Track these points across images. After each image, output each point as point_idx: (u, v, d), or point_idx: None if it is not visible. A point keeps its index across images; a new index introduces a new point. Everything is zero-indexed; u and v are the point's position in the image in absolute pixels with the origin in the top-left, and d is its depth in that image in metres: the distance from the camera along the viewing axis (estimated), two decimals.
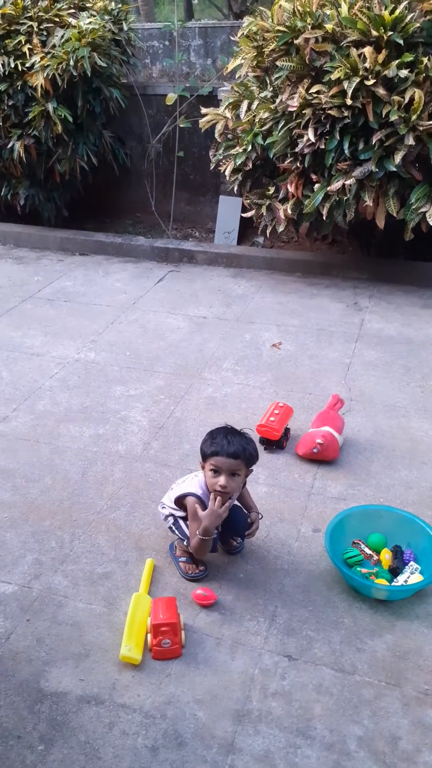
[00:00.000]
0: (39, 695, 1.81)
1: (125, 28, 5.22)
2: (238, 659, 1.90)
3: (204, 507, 2.06)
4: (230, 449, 2.01)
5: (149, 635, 1.91)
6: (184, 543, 2.17)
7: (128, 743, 1.69)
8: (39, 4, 5.05)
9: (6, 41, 4.89)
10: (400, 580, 2.10)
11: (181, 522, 2.18)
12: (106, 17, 5.10)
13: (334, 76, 3.59)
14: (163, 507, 2.24)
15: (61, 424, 3.03)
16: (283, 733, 1.71)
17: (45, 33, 4.89)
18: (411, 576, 2.10)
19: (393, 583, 2.10)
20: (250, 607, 2.07)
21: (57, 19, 4.95)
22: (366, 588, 2.06)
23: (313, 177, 3.93)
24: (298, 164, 3.93)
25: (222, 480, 2.01)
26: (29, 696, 1.81)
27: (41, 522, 2.43)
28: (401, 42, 3.51)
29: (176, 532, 2.20)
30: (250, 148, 4.14)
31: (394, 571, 2.14)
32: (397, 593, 2.06)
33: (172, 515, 2.20)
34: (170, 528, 2.22)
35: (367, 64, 3.53)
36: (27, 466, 2.74)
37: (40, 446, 2.88)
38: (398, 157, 3.58)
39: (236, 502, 2.20)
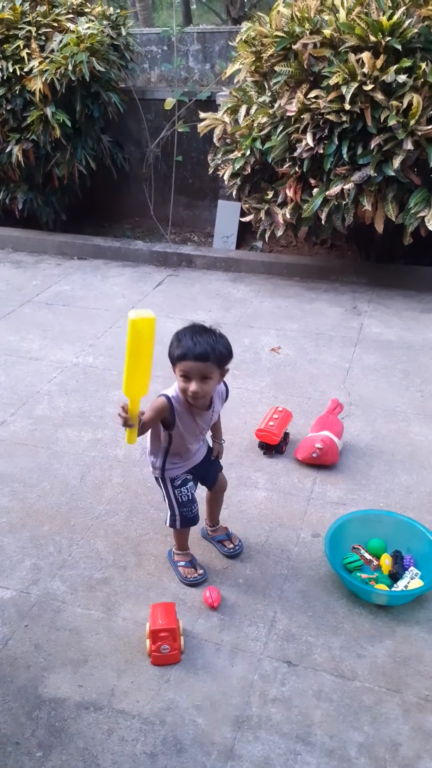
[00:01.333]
0: (37, 701, 1.80)
1: (124, 33, 5.24)
2: (237, 665, 1.89)
3: (171, 410, 1.90)
4: (197, 350, 1.80)
5: (148, 641, 1.90)
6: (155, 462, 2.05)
7: (127, 750, 1.67)
8: (37, 9, 5.06)
9: (4, 46, 4.90)
10: (400, 585, 2.09)
11: (169, 485, 2.07)
12: (105, 22, 5.12)
13: (332, 81, 3.61)
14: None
15: (59, 429, 3.02)
16: (282, 739, 1.70)
17: (43, 38, 4.91)
18: (411, 581, 2.09)
19: (393, 589, 2.09)
20: (249, 612, 2.06)
21: (55, 24, 4.96)
22: (366, 593, 2.06)
23: (312, 181, 3.93)
24: (297, 169, 3.94)
25: (193, 386, 1.83)
26: (27, 702, 1.80)
27: (39, 527, 2.42)
28: (399, 47, 3.52)
29: (167, 495, 2.08)
30: (248, 152, 4.15)
31: (394, 577, 2.14)
32: (397, 598, 2.06)
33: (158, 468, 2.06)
34: (156, 479, 2.11)
35: (365, 70, 3.54)
36: (25, 471, 2.73)
37: (38, 451, 2.87)
38: (397, 162, 3.59)
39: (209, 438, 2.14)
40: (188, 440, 2.02)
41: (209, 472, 2.19)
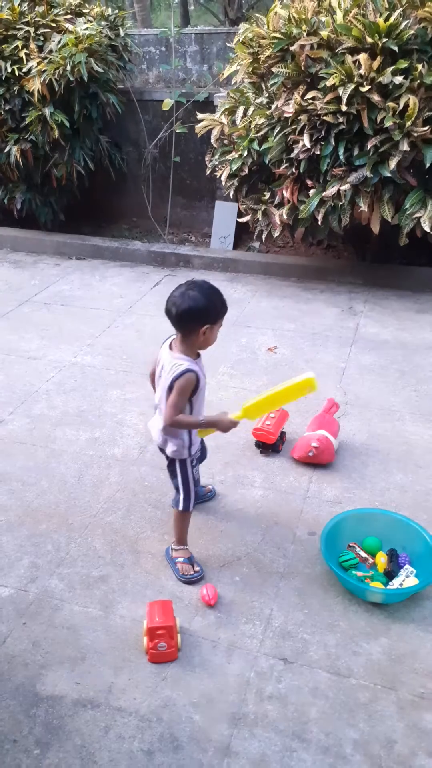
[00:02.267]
0: (35, 699, 1.81)
1: (122, 33, 5.25)
2: (233, 662, 1.91)
3: (197, 377, 1.97)
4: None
5: (145, 638, 1.91)
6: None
7: (124, 747, 1.69)
8: (36, 9, 5.07)
9: (3, 46, 4.91)
10: (396, 583, 2.11)
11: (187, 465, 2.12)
12: (103, 23, 5.13)
13: (329, 83, 3.62)
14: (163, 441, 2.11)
15: (57, 428, 3.03)
16: (278, 736, 1.71)
17: (42, 38, 4.92)
18: (406, 579, 2.11)
19: (388, 587, 2.11)
20: (245, 610, 2.07)
21: (54, 25, 4.97)
22: (361, 591, 2.07)
23: (309, 182, 3.95)
24: (294, 170, 3.96)
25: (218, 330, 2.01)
26: (25, 700, 1.81)
27: (37, 525, 2.43)
28: (396, 49, 3.54)
29: (185, 476, 2.13)
30: (245, 153, 4.16)
31: (390, 575, 2.15)
32: (393, 596, 2.07)
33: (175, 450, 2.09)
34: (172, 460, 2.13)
35: (362, 71, 3.55)
36: (23, 470, 2.74)
37: (36, 450, 2.88)
38: (393, 163, 3.61)
39: None
40: (202, 401, 2.09)
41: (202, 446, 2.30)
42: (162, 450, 2.15)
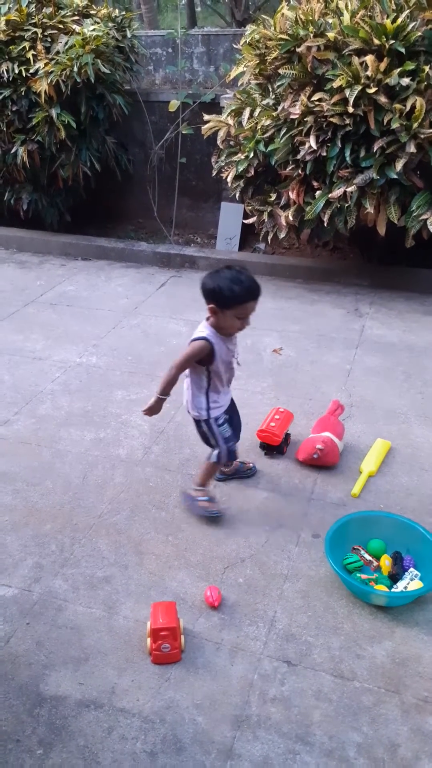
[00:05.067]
0: (38, 699, 1.81)
1: (129, 35, 5.26)
2: (237, 664, 1.90)
3: (212, 350, 2.14)
4: (257, 291, 2.10)
5: (149, 639, 1.91)
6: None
7: (127, 748, 1.69)
8: (43, 10, 5.09)
9: (10, 47, 4.92)
10: (400, 586, 2.10)
11: (213, 425, 2.32)
12: (110, 24, 5.14)
13: (335, 84, 3.62)
14: (195, 411, 2.32)
15: (62, 428, 3.03)
16: (282, 739, 1.71)
17: (49, 39, 4.93)
18: (411, 582, 2.10)
19: (393, 590, 2.10)
20: (249, 612, 2.07)
21: (61, 26, 4.98)
22: (365, 594, 2.06)
23: (315, 184, 3.95)
24: (300, 171, 3.95)
25: (248, 321, 2.14)
26: (28, 700, 1.81)
27: (42, 526, 2.44)
28: (403, 50, 3.53)
29: (213, 434, 2.34)
30: (252, 155, 4.16)
31: (394, 578, 2.14)
32: (397, 600, 2.06)
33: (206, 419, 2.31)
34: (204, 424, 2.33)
35: (368, 73, 3.55)
36: (28, 470, 2.75)
37: (41, 450, 2.88)
38: (399, 165, 3.60)
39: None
40: (222, 372, 2.24)
41: (234, 414, 2.47)
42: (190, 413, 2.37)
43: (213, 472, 2.47)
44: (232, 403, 2.46)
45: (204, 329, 2.17)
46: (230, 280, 2.06)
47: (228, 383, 2.34)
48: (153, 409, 2.24)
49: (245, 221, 4.75)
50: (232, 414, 2.45)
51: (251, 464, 2.70)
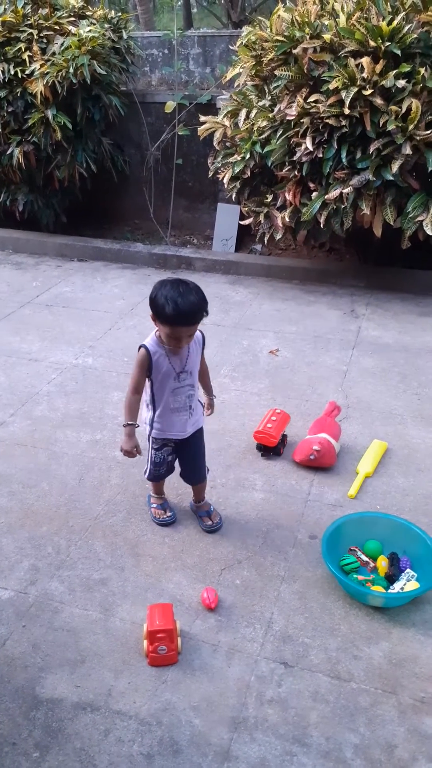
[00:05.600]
0: (34, 702, 1.80)
1: (125, 36, 5.26)
2: (234, 666, 1.90)
3: (150, 360, 2.06)
4: (190, 317, 1.91)
5: (145, 641, 1.91)
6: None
7: (124, 750, 1.68)
8: (39, 11, 5.08)
9: (6, 48, 4.92)
10: (397, 587, 2.10)
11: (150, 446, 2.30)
12: (106, 25, 5.14)
13: (332, 86, 3.62)
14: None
15: (58, 430, 3.03)
16: (279, 740, 1.70)
17: (45, 41, 4.93)
18: (407, 583, 2.10)
19: (389, 591, 2.10)
20: (246, 613, 2.07)
21: (57, 27, 4.98)
22: (362, 595, 2.06)
23: (311, 185, 3.95)
24: (296, 172, 3.96)
25: (183, 343, 2.02)
26: (24, 702, 1.80)
27: (38, 528, 2.43)
28: (399, 52, 3.54)
29: (147, 449, 2.31)
30: (248, 156, 4.17)
31: (391, 579, 2.15)
32: (394, 600, 2.06)
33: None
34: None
35: (364, 74, 3.56)
36: (24, 472, 2.74)
37: (37, 451, 2.87)
38: (395, 166, 3.61)
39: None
40: (165, 389, 2.14)
41: (189, 459, 2.37)
42: None
43: (153, 484, 2.46)
44: (192, 445, 2.30)
45: (150, 338, 2.09)
46: (166, 297, 1.90)
47: (176, 411, 2.18)
48: (128, 444, 2.15)
49: (242, 222, 4.75)
50: (184, 453, 2.33)
51: (211, 520, 2.40)
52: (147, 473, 2.38)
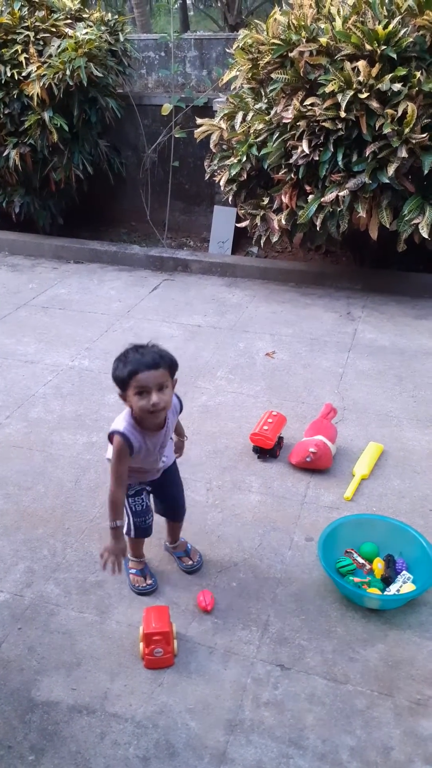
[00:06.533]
0: (30, 705, 1.80)
1: (122, 38, 5.27)
2: (230, 668, 1.90)
3: (129, 444, 1.86)
4: (147, 360, 1.78)
5: (141, 644, 1.91)
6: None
7: (120, 753, 1.68)
8: (36, 14, 5.08)
9: (3, 50, 4.91)
10: (393, 589, 2.10)
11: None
12: (103, 28, 5.14)
13: (328, 89, 3.63)
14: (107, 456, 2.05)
15: (54, 432, 3.02)
16: (275, 743, 1.70)
17: (42, 43, 4.93)
18: (403, 585, 2.10)
19: (385, 593, 2.10)
20: (242, 616, 2.07)
21: (54, 29, 4.98)
22: (358, 597, 2.07)
23: (307, 188, 3.96)
24: (293, 175, 3.97)
25: (153, 397, 1.78)
26: (20, 705, 1.80)
27: (34, 530, 2.42)
28: (395, 56, 3.55)
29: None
30: (244, 158, 4.17)
31: (387, 581, 2.15)
32: (390, 602, 2.07)
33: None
34: None
35: (360, 78, 3.57)
36: (20, 474, 2.73)
37: (33, 454, 2.87)
38: (391, 169, 3.62)
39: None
40: (144, 464, 1.99)
41: (168, 496, 2.18)
42: None
43: (133, 545, 2.17)
44: (168, 476, 2.13)
45: (122, 420, 1.89)
46: (116, 360, 1.83)
47: (151, 473, 2.06)
48: (116, 547, 1.90)
49: (238, 225, 4.75)
50: (162, 489, 2.14)
51: (193, 561, 2.25)
52: (132, 531, 2.11)
